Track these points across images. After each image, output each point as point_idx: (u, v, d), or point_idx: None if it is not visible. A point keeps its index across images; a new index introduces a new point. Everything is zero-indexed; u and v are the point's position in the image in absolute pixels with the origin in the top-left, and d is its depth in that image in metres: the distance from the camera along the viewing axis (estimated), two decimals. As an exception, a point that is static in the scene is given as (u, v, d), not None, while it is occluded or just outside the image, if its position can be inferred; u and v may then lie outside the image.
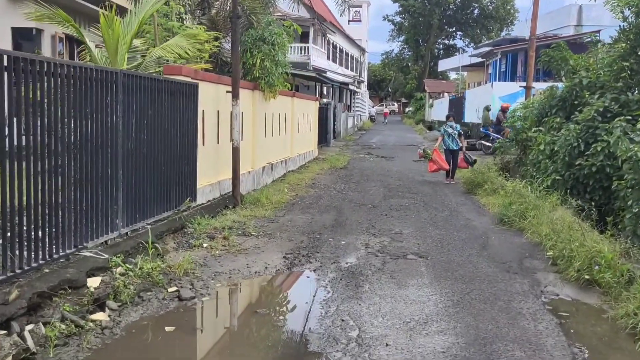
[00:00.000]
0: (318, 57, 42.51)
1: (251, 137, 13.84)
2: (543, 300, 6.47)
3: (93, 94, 6.43)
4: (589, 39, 14.76)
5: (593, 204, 10.92)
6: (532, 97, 19.72)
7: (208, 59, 13.82)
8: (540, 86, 23.02)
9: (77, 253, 6.20)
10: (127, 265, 6.33)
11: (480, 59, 41.10)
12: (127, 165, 7.29)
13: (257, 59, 13.44)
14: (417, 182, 16.71)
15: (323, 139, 28.00)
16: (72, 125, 6.08)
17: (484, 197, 13.30)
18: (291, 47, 41.10)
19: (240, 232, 9.17)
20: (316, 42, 43.43)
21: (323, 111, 27.92)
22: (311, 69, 38.06)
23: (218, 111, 11.29)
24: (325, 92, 44.04)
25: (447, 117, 17.07)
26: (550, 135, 13.18)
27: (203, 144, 10.47)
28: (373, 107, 78.12)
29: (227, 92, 11.40)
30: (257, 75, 13.52)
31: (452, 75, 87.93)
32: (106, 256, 6.32)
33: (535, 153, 13.72)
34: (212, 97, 10.93)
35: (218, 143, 11.36)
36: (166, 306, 5.95)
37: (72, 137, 6.10)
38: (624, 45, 12.62)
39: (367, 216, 11.28)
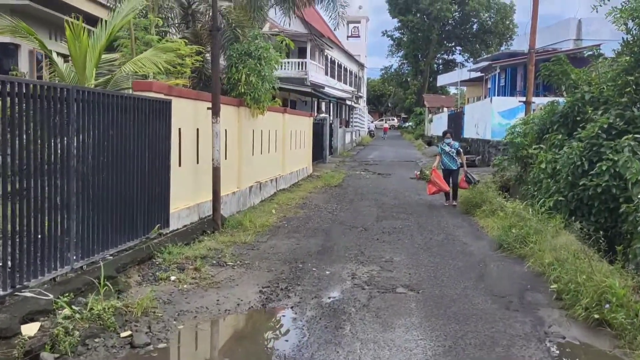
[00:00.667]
0: (316, 73, 42.00)
1: (237, 155, 13.13)
2: (547, 344, 5.69)
3: (37, 113, 5.71)
4: (590, 53, 14.07)
5: (598, 226, 10.24)
6: (532, 112, 19.05)
7: (190, 74, 13.17)
8: (540, 101, 22.37)
9: (16, 294, 5.45)
10: (74, 307, 5.58)
11: (479, 74, 40.49)
12: (82, 191, 6.56)
13: (242, 74, 12.76)
14: (413, 201, 15.96)
15: (319, 155, 27.32)
16: (10, 148, 5.36)
17: (483, 218, 12.55)
18: (288, 62, 40.81)
19: (214, 262, 8.41)
20: (314, 57, 42.94)
21: (318, 127, 27.26)
22: (309, 84, 37.51)
23: (197, 129, 10.58)
24: (323, 107, 43.52)
25: (444, 134, 15.61)
26: (551, 153, 12.47)
27: (179, 165, 9.75)
28: (372, 122, 77.55)
29: (208, 108, 10.70)
30: (243, 90, 12.84)
31: (452, 90, 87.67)
32: (50, 296, 5.57)
33: (536, 172, 13.01)
34: (190, 114, 10.23)
35: (197, 163, 10.64)
36: (114, 355, 5.18)
37: (11, 161, 5.37)
38: (628, 58, 11.94)
39: (357, 241, 10.52)
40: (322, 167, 25.35)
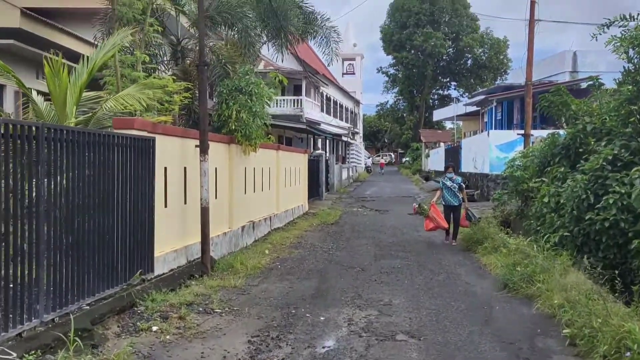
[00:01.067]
0: (311, 110, 41.93)
1: (228, 194, 12.66)
2: (564, 399, 5.15)
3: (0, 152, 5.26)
4: (590, 83, 13.72)
5: (607, 263, 9.73)
6: (531, 145, 18.70)
7: (179, 112, 12.81)
8: (539, 134, 22.07)
9: (-27, 353, 4.92)
10: (39, 366, 5.04)
11: (475, 108, 40.39)
12: (54, 236, 6.08)
13: (232, 111, 12.39)
14: (411, 238, 15.45)
15: (315, 192, 26.87)
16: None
17: (485, 255, 12.02)
18: (283, 99, 40.76)
19: (201, 309, 7.85)
20: (309, 94, 42.94)
21: (314, 163, 26.89)
22: (304, 121, 37.34)
23: (185, 168, 10.13)
24: (319, 144, 43.33)
25: (446, 168, 15.12)
26: (554, 186, 12.03)
27: (165, 205, 9.27)
28: (369, 158, 77.38)
29: (196, 146, 10.28)
30: (233, 127, 12.45)
31: (448, 125, 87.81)
32: (14, 355, 5.03)
33: (538, 206, 12.55)
34: (177, 152, 9.79)
35: (185, 203, 10.16)
36: (81, 423, 4.63)
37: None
38: (630, 87, 11.58)
39: (354, 282, 9.98)
40: (319, 204, 24.88)
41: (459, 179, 14.62)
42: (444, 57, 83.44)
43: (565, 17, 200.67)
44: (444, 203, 14.29)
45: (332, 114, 51.93)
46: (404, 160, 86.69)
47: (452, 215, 14.20)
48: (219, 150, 12.03)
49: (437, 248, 13.74)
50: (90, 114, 8.94)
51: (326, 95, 50.55)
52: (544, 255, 9.80)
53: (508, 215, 17.22)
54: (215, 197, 11.79)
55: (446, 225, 14.10)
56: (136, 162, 7.99)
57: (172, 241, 9.54)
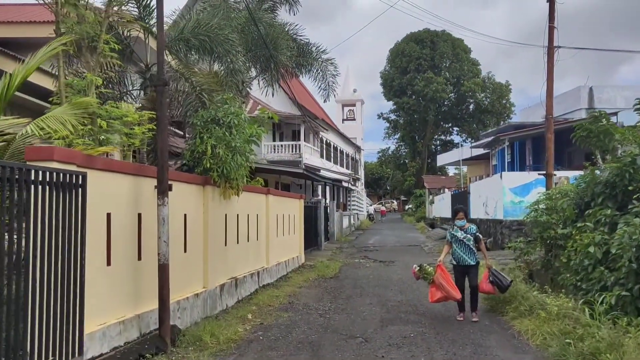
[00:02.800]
0: (310, 155, 40.18)
1: (202, 246, 10.48)
2: None
3: None
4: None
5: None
6: (554, 186, 16.59)
7: (147, 148, 10.77)
8: (561, 174, 19.95)
9: None
10: None
11: (482, 151, 38.47)
12: None
13: (207, 146, 10.33)
14: (423, 296, 13.14)
15: (313, 241, 24.65)
16: None
17: (517, 319, 9.72)
18: (281, 145, 38.94)
19: (138, 413, 5.61)
20: (308, 140, 41.26)
21: (312, 210, 24.75)
22: (303, 167, 35.42)
23: (140, 215, 8.00)
24: (319, 190, 41.35)
25: (455, 213, 10.91)
26: (599, 232, 9.86)
27: (108, 263, 7.11)
28: (371, 205, 75.27)
29: (156, 187, 8.17)
30: (208, 165, 10.37)
31: (451, 171, 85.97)
32: None
33: (578, 257, 10.35)
34: (127, 194, 7.68)
35: (140, 259, 7.99)
36: None
37: None
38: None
39: (356, 359, 7.72)
40: (317, 255, 22.61)
41: (473, 227, 10.72)
42: (446, 102, 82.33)
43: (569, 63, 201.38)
44: (454, 262, 10.63)
45: (332, 160, 50.13)
46: (406, 207, 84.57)
47: (466, 279, 10.54)
48: (190, 192, 9.92)
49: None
50: (4, 143, 6.85)
51: (326, 141, 48.85)
52: (599, 320, 7.59)
53: (530, 265, 15.03)
54: (185, 251, 9.63)
55: (459, 296, 10.25)
56: (57, 205, 5.86)
57: (117, 309, 7.32)
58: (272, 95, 18.09)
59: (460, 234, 10.49)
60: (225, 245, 11.75)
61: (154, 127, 10.19)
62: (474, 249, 10.43)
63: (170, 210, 8.77)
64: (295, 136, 40.41)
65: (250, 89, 19.72)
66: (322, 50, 18.39)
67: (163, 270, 7.88)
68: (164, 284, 7.88)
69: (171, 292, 8.70)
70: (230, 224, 12.05)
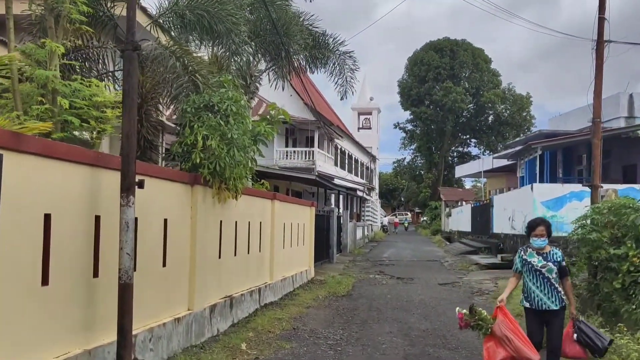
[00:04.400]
0: (324, 163, 38.41)
1: (188, 259, 8.59)
2: None
3: None
4: None
5: None
6: (601, 199, 14.54)
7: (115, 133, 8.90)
8: (607, 186, 17.78)
9: None
10: None
11: (504, 162, 36.32)
12: None
13: (198, 136, 8.46)
14: (452, 322, 11.17)
15: (324, 254, 22.68)
16: None
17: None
18: (294, 151, 37.14)
19: None
20: (322, 146, 39.51)
21: (324, 220, 22.81)
22: (316, 174, 33.60)
23: (98, 217, 6.13)
24: (332, 199, 39.51)
25: (532, 228, 6.74)
26: (684, 256, 7.86)
27: (44, 282, 5.23)
28: (385, 216, 73.22)
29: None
30: (198, 160, 8.48)
31: (468, 184, 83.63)
32: None
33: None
34: (77, 190, 5.80)
35: (97, 276, 6.10)
36: None
37: None
38: None
39: (376, 417, 5.78)
40: (328, 269, 20.64)
41: (558, 252, 6.78)
42: (464, 113, 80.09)
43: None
44: (526, 304, 6.76)
45: (346, 169, 48.26)
46: (421, 220, 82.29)
47: (548, 333, 6.68)
48: (173, 192, 8.05)
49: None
50: None
51: (341, 149, 47.03)
52: None
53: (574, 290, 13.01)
54: (164, 264, 7.74)
55: (536, 356, 6.38)
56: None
57: (57, 343, 5.44)
58: (283, 89, 16.21)
59: (537, 261, 6.57)
60: (219, 257, 9.85)
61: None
62: (557, 285, 6.53)
63: (143, 214, 6.93)
64: (309, 143, 38.70)
65: (260, 84, 17.88)
66: (339, 42, 16.52)
67: (125, 291, 5.98)
68: (126, 310, 5.97)
69: (142, 317, 6.85)
70: (227, 233, 10.15)
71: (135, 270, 6.81)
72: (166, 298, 7.81)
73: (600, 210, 12.31)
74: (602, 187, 14.82)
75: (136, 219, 6.78)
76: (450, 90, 73.90)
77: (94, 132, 7.68)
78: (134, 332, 6.63)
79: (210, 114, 8.66)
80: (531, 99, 79.09)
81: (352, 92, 17.36)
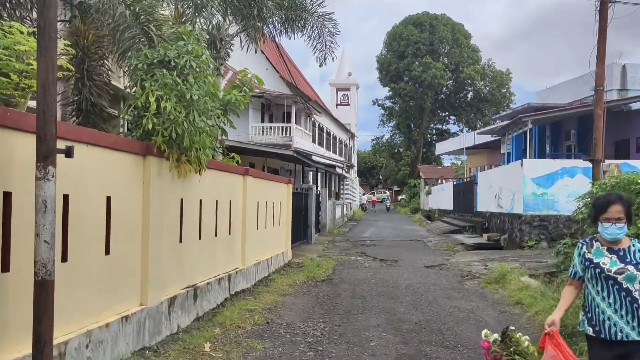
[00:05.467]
0: (302, 139, 37.05)
1: (140, 244, 7.17)
2: None
3: None
4: None
5: None
6: (603, 175, 13.41)
7: (64, 98, 7.43)
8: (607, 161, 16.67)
9: None
10: None
11: (488, 138, 35.27)
12: None
13: (150, 97, 7.00)
14: (446, 312, 9.97)
15: (302, 234, 21.40)
16: None
17: None
18: (270, 126, 35.60)
19: None
20: (299, 122, 38.10)
21: (302, 198, 21.48)
22: (293, 150, 32.20)
23: (9, 194, 4.70)
24: (310, 177, 38.22)
25: (601, 208, 4.16)
26: None
27: None
28: (364, 194, 72.17)
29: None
30: (151, 126, 7.03)
31: (447, 161, 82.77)
32: None
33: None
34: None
35: (6, 270, 4.69)
36: None
37: None
38: None
39: None
40: (306, 251, 19.34)
41: None
42: (444, 90, 79.01)
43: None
44: (591, 330, 4.20)
45: (324, 146, 46.90)
46: (399, 198, 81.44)
47: None
48: (119, 165, 6.61)
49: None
50: None
51: (319, 125, 45.62)
52: None
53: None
54: (107, 252, 6.33)
55: None
56: None
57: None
58: (255, 52, 14.73)
59: (608, 262, 4.16)
60: (181, 241, 8.46)
61: (73, 70, 6.91)
62: None
63: (77, 190, 5.53)
64: (286, 118, 37.26)
65: (232, 49, 16.36)
66: (317, 2, 15.01)
67: (42, 290, 4.55)
68: (44, 314, 4.56)
69: (76, 319, 5.51)
70: (189, 213, 8.75)
71: (66, 260, 5.45)
72: (111, 293, 6.41)
73: (606, 187, 11.17)
74: (604, 161, 13.69)
75: (66, 196, 5.39)
76: (429, 66, 72.63)
77: (18, 89, 6.19)
78: (64, 339, 5.31)
79: (165, 72, 7.20)
80: (511, 75, 78.18)
81: (332, 58, 15.94)
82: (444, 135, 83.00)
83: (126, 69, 7.63)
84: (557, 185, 19.34)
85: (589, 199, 11.32)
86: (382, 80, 79.85)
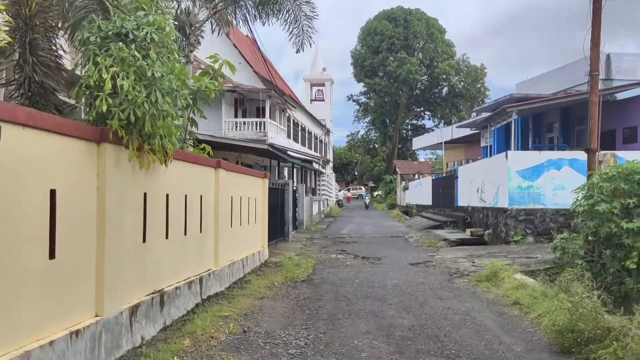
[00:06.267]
0: (276, 135, 36.13)
1: (94, 245, 6.15)
2: None
3: None
4: None
5: None
6: (598, 165, 12.70)
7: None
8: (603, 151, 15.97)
9: None
10: None
11: (469, 131, 34.65)
12: None
13: (104, 74, 5.97)
14: (441, 313, 9.12)
15: (279, 231, 20.43)
16: None
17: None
18: (244, 122, 34.54)
19: None
20: (274, 117, 37.12)
21: (278, 194, 20.49)
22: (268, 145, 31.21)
23: None
24: (285, 173, 37.34)
25: None
26: None
27: None
28: (340, 191, 71.40)
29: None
30: (105, 108, 6.00)
31: (422, 157, 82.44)
32: None
33: None
34: None
35: None
36: None
37: None
38: None
39: None
40: (284, 249, 18.38)
41: None
42: (419, 85, 78.62)
43: (529, 56, 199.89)
44: None
45: (299, 142, 45.95)
46: (375, 194, 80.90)
47: None
48: (66, 153, 5.59)
49: (503, 342, 7.39)
50: None
51: (294, 121, 44.64)
52: None
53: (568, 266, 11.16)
54: (52, 256, 5.31)
55: None
56: None
57: None
58: (227, 36, 13.73)
59: None
60: (145, 241, 7.44)
61: (12, 42, 5.88)
62: None
63: (7, 182, 4.50)
64: (260, 113, 36.26)
65: (202, 36, 15.35)
66: (294, -16, 14.05)
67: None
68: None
69: (9, 339, 4.47)
70: (154, 209, 7.73)
71: (-6, 267, 4.43)
72: (57, 304, 5.40)
73: (608, 177, 10.45)
74: (606, 153, 12.99)
75: (-6, 189, 4.38)
76: (404, 61, 72.18)
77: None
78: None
79: (122, 45, 6.18)
80: (485, 70, 78.10)
81: (310, 44, 15.01)
82: (419, 130, 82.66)
83: (77, 44, 6.56)
84: (543, 178, 18.68)
85: (588, 190, 10.59)
86: (356, 76, 79.20)
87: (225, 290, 10.92)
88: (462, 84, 78.05)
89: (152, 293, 7.64)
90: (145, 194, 7.43)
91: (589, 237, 10.43)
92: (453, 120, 70.97)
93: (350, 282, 12.44)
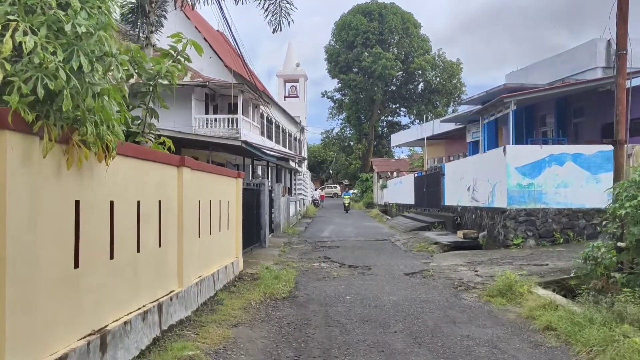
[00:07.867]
0: (250, 132, 34.26)
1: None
2: None
3: None
4: None
5: None
6: (627, 158, 11.03)
7: None
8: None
9: None
10: None
11: (453, 126, 33.04)
12: None
13: (7, 34, 3.98)
14: (460, 344, 7.30)
15: (254, 237, 18.43)
16: None
17: None
18: (215, 118, 32.52)
19: None
20: (247, 114, 35.21)
21: (253, 195, 18.51)
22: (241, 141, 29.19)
23: None
24: (259, 171, 35.41)
25: None
26: None
27: None
28: (316, 190, 69.60)
29: None
30: (2, 77, 4.01)
31: (397, 154, 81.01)
32: None
33: None
34: None
35: None
36: None
37: None
38: None
39: None
40: (260, 257, 16.42)
41: None
42: (394, 81, 77.16)
43: (502, 52, 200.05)
44: None
45: (273, 139, 44.00)
46: (350, 193, 79.35)
47: None
48: None
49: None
50: None
51: (267, 117, 42.65)
52: None
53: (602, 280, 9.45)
54: None
55: None
56: None
57: None
58: (193, 8, 11.78)
59: None
60: (77, 266, 5.45)
61: None
62: None
63: None
64: (232, 109, 34.40)
65: (165, 17, 13.37)
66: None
67: None
68: None
69: None
70: (91, 222, 5.73)
71: None
72: None
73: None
74: (627, 144, 11.31)
75: None
76: (379, 56, 70.63)
77: None
78: None
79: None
80: (461, 65, 76.92)
81: (289, 23, 13.06)
82: (395, 127, 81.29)
83: None
84: (545, 175, 17.05)
85: (634, 192, 8.84)
86: (330, 72, 77.44)
87: (192, 315, 8.94)
88: (438, 79, 76.84)
89: (89, 335, 5.65)
90: (77, 202, 5.44)
91: (631, 246, 8.72)
92: (429, 117, 69.68)
93: (341, 300, 10.57)
